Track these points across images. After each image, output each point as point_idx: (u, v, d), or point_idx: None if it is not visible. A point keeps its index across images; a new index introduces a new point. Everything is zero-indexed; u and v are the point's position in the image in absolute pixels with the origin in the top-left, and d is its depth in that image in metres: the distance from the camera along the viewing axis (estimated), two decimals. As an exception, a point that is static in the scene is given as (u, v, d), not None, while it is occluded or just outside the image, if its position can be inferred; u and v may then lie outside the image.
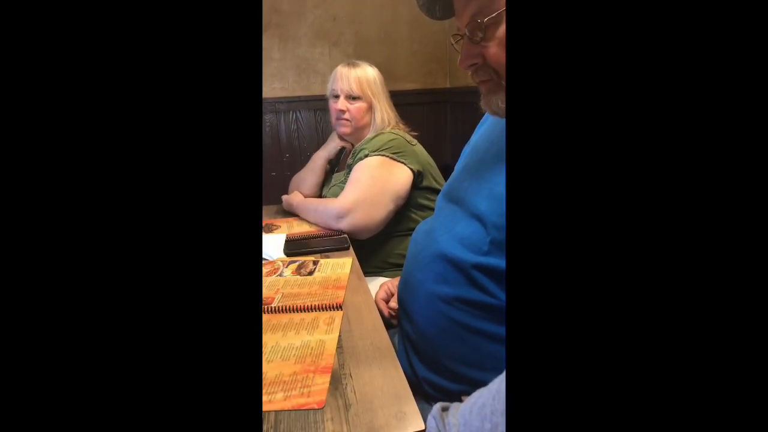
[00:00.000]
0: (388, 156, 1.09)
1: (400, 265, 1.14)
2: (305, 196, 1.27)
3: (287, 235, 1.04)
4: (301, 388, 0.48)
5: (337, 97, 1.19)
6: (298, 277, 0.79)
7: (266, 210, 1.34)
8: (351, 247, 0.97)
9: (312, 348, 0.55)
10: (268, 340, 0.57)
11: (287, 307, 0.66)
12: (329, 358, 0.53)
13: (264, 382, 0.49)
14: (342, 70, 1.19)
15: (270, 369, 0.51)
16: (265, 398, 0.46)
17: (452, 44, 0.57)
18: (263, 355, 0.54)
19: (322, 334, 0.58)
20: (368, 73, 1.19)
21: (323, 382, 0.49)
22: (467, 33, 0.51)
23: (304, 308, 0.66)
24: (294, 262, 0.87)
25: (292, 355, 0.54)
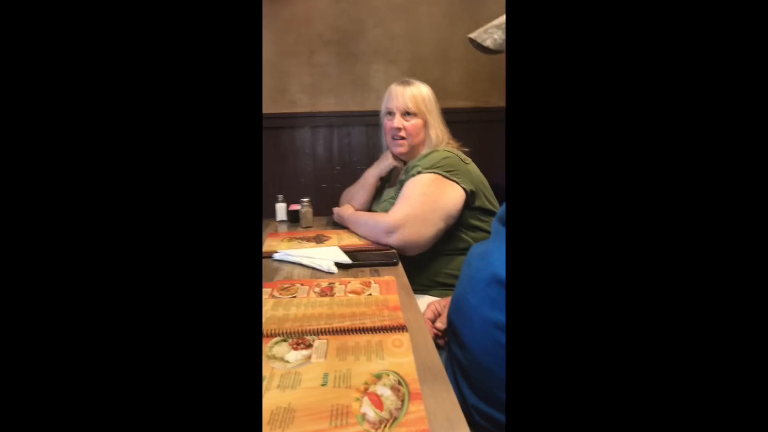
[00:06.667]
0: (441, 174, 1.09)
1: (447, 285, 1.13)
2: (355, 210, 1.29)
3: (338, 247, 1.06)
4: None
5: (392, 114, 1.21)
6: (353, 296, 0.79)
7: (317, 221, 1.38)
8: (400, 263, 0.97)
9: (392, 373, 0.53)
10: (340, 365, 0.56)
11: (349, 329, 0.65)
12: (415, 383, 0.51)
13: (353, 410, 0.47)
14: (397, 89, 1.21)
15: (355, 395, 0.49)
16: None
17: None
18: (348, 380, 0.52)
19: (397, 357, 0.57)
20: (422, 90, 1.20)
21: (418, 409, 0.47)
22: None
23: (366, 329, 0.64)
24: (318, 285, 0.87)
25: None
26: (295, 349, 0.60)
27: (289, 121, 1.80)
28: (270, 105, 1.79)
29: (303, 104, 1.82)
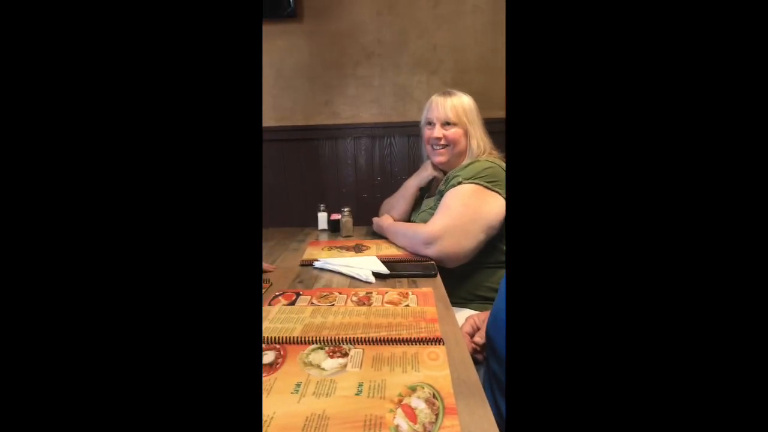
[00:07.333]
0: (482, 184, 1.07)
1: (488, 298, 1.10)
2: (395, 221, 1.29)
3: (376, 256, 1.06)
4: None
5: (432, 125, 1.20)
6: (390, 306, 0.79)
7: (357, 230, 1.39)
8: (438, 275, 0.96)
9: (427, 385, 0.53)
10: (375, 375, 0.55)
11: (385, 339, 0.64)
12: (450, 397, 0.50)
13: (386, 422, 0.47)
14: (437, 99, 1.20)
15: (389, 406, 0.49)
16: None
17: None
18: (382, 390, 0.52)
19: (432, 370, 0.56)
20: (464, 101, 1.20)
21: (452, 425, 0.46)
22: None
23: (402, 340, 0.64)
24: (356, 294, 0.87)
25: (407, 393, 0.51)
26: (332, 357, 0.61)
27: (332, 132, 1.84)
28: (314, 116, 1.83)
29: (346, 115, 1.85)
